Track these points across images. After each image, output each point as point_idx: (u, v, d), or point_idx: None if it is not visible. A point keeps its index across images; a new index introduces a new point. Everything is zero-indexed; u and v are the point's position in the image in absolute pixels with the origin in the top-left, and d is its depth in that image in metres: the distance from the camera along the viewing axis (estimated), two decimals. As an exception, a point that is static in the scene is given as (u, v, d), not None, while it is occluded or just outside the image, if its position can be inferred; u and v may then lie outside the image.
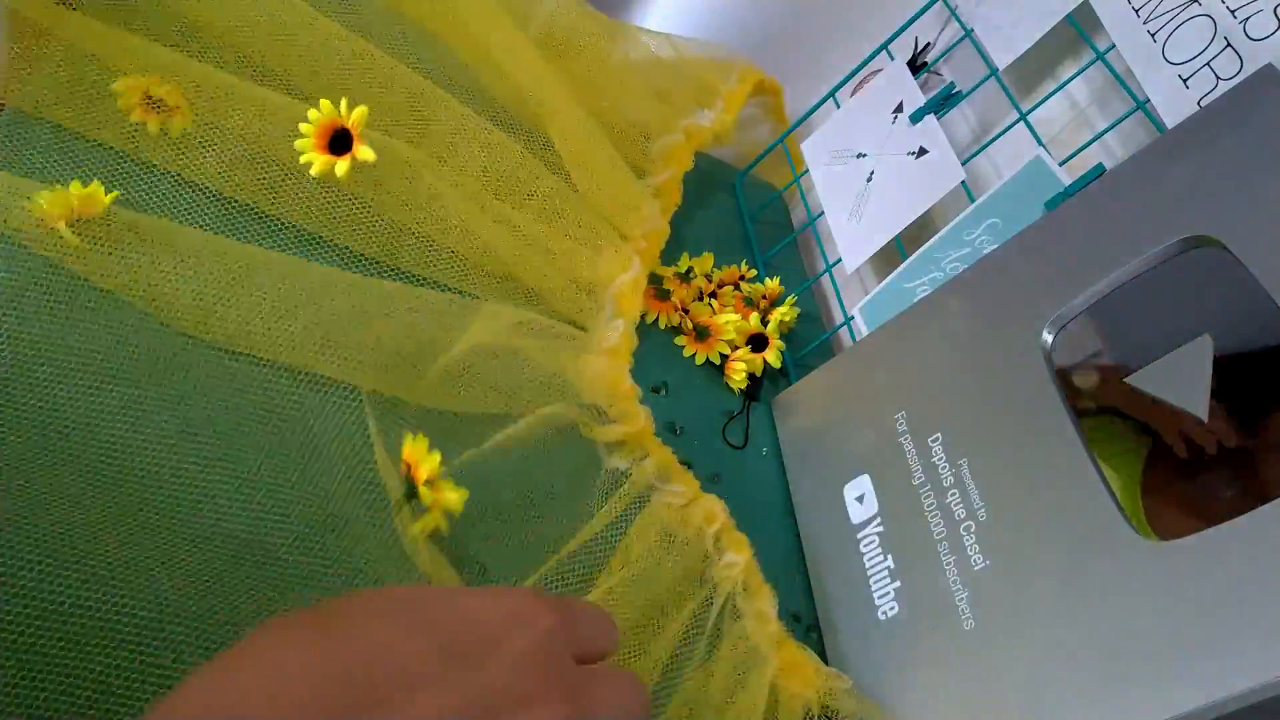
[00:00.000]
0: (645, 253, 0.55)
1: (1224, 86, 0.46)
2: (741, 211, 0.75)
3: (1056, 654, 0.38)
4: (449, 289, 0.46)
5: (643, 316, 0.57)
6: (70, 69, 0.40)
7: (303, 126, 0.40)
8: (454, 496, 0.34)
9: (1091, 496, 0.39)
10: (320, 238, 0.44)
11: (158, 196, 0.41)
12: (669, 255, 0.61)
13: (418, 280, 0.46)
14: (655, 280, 0.59)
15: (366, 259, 0.45)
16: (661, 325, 0.59)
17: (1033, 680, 0.38)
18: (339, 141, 0.41)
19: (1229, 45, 0.46)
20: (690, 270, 0.62)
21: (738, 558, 0.45)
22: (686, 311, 0.59)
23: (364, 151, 0.40)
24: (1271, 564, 0.33)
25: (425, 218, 0.46)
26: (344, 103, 0.40)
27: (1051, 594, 0.39)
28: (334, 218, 0.44)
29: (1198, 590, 0.34)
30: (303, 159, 0.40)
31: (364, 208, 0.45)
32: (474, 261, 0.47)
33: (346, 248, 0.44)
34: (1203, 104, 0.46)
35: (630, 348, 0.51)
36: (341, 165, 0.40)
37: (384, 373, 0.40)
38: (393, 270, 0.45)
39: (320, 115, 0.40)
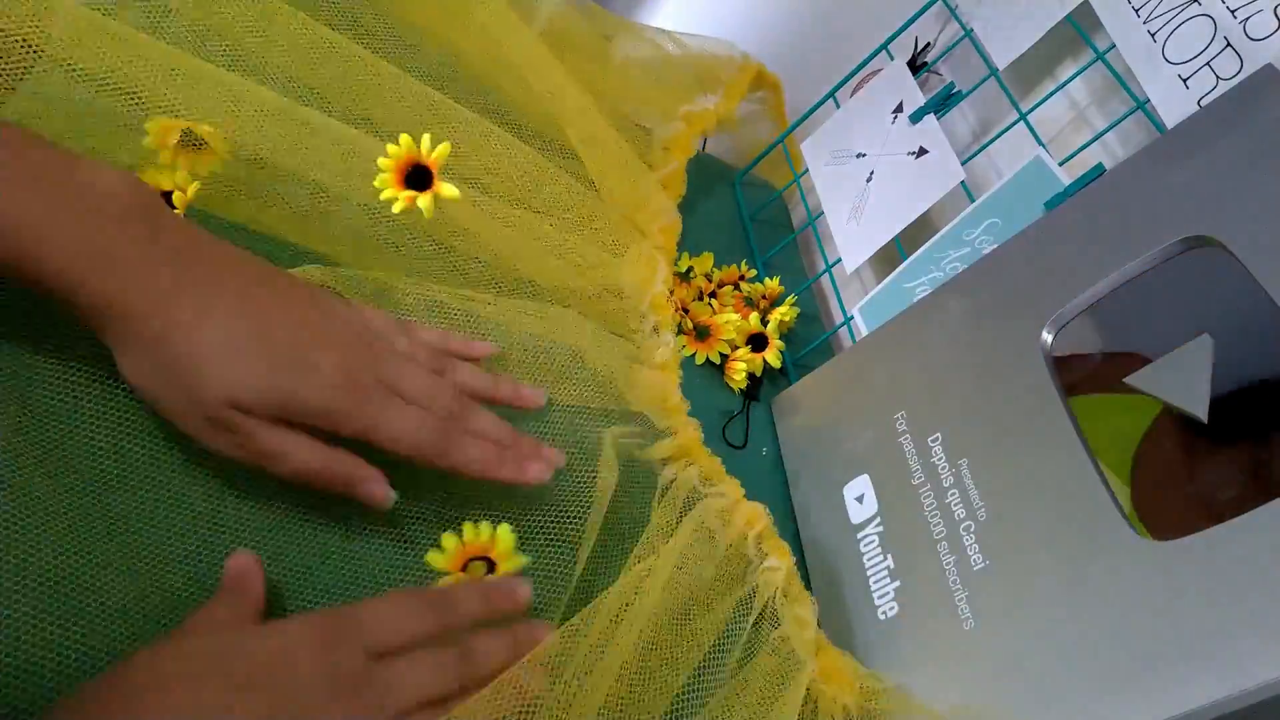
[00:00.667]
0: (664, 249, 0.56)
1: (1224, 86, 0.46)
2: (741, 211, 0.75)
3: (1056, 654, 0.38)
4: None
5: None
6: (61, 87, 0.38)
7: (381, 162, 0.39)
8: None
9: (1091, 496, 0.39)
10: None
11: None
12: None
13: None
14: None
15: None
16: (661, 325, 0.59)
17: (1032, 680, 0.38)
18: (417, 178, 0.40)
19: (1229, 45, 0.46)
20: (690, 270, 0.62)
21: (780, 563, 0.45)
22: (686, 311, 0.59)
23: (447, 189, 0.39)
24: (1271, 564, 0.33)
25: (455, 231, 0.46)
26: (426, 139, 0.40)
27: (1051, 594, 0.39)
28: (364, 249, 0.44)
29: (1198, 590, 0.34)
30: (383, 195, 0.39)
31: (402, 231, 0.45)
32: (504, 267, 0.47)
33: None
34: (1203, 104, 0.46)
35: (677, 361, 0.52)
36: (424, 200, 0.39)
37: None
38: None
39: (399, 150, 0.39)
